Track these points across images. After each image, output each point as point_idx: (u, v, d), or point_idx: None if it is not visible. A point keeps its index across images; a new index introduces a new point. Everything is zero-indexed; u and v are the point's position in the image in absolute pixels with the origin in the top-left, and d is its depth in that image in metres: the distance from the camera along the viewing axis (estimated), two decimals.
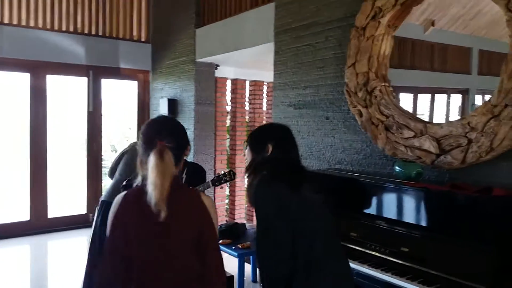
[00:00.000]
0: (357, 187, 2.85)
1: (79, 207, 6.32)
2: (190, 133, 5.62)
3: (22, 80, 5.84)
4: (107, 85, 6.45)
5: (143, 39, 6.61)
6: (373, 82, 3.13)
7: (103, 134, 6.45)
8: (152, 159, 1.48)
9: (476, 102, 3.23)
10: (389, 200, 2.67)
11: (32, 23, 5.68)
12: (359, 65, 3.22)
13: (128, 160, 3.31)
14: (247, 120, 6.54)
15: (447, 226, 2.30)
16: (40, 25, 5.75)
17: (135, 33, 6.54)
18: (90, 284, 3.23)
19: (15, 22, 5.57)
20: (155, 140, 1.53)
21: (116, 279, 1.50)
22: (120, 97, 7.39)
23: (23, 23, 5.63)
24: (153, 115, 6.61)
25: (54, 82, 6.04)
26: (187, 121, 5.71)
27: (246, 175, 1.94)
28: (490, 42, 3.12)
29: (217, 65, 5.87)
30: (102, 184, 6.33)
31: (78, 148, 6.64)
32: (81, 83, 6.23)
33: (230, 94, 6.38)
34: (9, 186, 6.46)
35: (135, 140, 5.46)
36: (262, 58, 5.17)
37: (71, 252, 5.31)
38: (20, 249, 5.38)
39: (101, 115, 6.30)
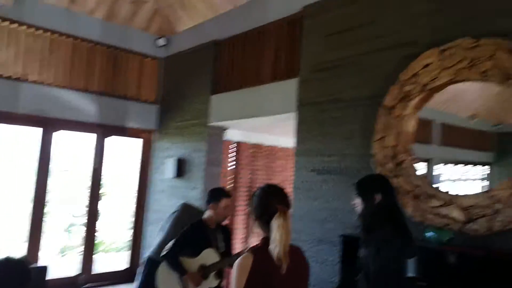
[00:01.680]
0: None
1: None
2: (199, 193, 5.79)
3: (33, 134, 5.90)
4: (111, 142, 6.58)
5: (151, 100, 6.88)
6: (401, 155, 3.55)
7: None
8: (278, 220, 1.75)
9: (438, 172, 3.64)
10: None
11: (47, 80, 5.84)
12: (387, 139, 3.65)
13: (176, 220, 3.47)
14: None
15: None
16: (55, 82, 5.90)
17: (143, 94, 6.81)
18: None
19: (30, 78, 5.70)
20: (273, 204, 1.82)
21: None
22: (120, 155, 7.50)
23: (38, 79, 5.77)
24: (156, 173, 6.74)
25: (63, 138, 6.12)
26: (195, 181, 5.90)
27: (359, 220, 2.35)
28: (450, 116, 3.60)
29: (225, 129, 6.20)
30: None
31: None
32: (88, 140, 6.35)
33: (234, 156, 6.67)
34: None
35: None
36: (279, 125, 5.55)
37: None
38: None
39: (101, 172, 6.34)
